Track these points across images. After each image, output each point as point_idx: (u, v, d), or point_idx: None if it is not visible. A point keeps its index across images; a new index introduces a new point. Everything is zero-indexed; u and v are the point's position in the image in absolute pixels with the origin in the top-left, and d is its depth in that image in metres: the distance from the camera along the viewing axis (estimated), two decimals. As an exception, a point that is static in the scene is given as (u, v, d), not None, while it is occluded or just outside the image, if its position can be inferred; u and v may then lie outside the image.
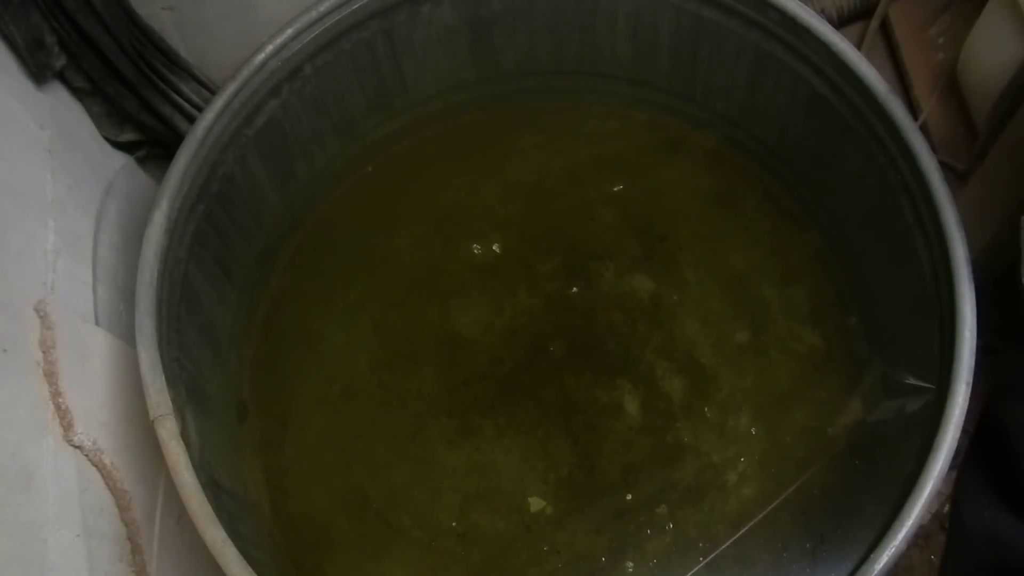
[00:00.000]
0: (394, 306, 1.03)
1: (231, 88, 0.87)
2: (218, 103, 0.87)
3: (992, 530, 0.66)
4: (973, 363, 0.72)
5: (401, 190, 1.09)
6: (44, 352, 0.70)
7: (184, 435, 0.74)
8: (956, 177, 1.07)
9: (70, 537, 0.66)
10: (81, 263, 0.81)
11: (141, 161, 1.02)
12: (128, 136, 0.98)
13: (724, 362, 0.96)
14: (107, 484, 0.73)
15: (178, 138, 0.89)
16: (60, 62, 0.86)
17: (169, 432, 0.73)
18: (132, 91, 0.93)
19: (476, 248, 1.05)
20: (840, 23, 1.19)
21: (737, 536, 0.87)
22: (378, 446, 0.95)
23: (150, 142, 1.01)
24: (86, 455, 0.71)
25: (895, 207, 0.84)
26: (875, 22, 1.19)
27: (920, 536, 0.98)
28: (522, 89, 1.11)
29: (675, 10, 0.96)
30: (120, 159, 0.98)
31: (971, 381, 0.71)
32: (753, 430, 0.92)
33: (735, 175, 1.07)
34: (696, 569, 0.86)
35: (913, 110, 1.12)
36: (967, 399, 0.71)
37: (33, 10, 0.82)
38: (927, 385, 0.79)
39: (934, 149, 0.81)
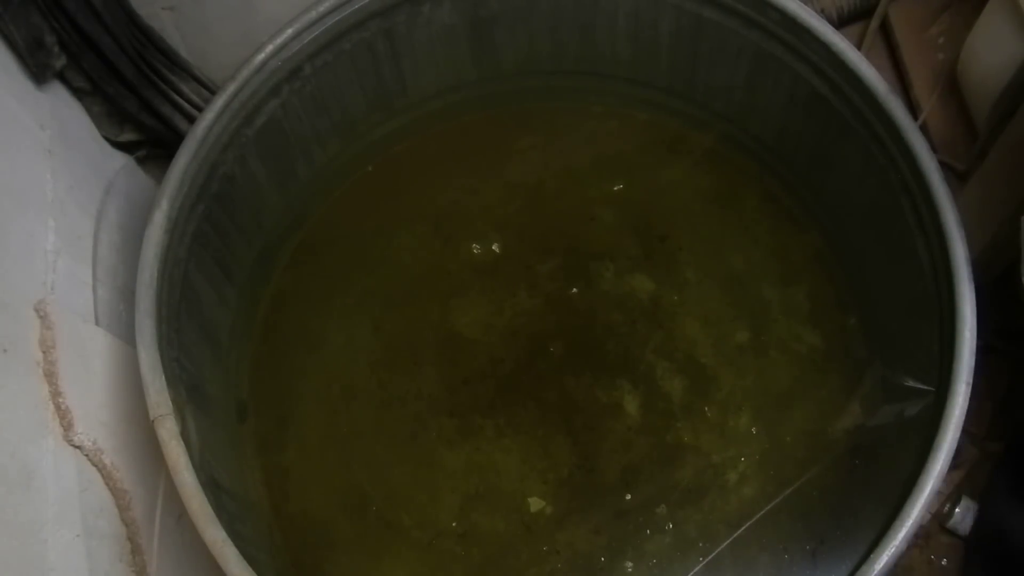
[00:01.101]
0: (394, 306, 1.02)
1: (231, 88, 0.87)
2: (218, 103, 0.87)
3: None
4: (973, 363, 0.72)
5: (401, 190, 1.09)
6: (44, 352, 0.70)
7: (184, 435, 0.74)
8: (956, 177, 1.06)
9: (70, 537, 0.66)
10: (81, 263, 0.81)
11: (141, 161, 1.02)
12: (128, 136, 0.98)
13: (724, 362, 0.96)
14: (107, 484, 0.73)
15: (178, 138, 0.89)
16: (60, 62, 0.86)
17: (169, 432, 0.73)
18: (132, 91, 0.93)
19: (476, 248, 1.05)
20: (840, 23, 1.19)
21: (737, 536, 0.87)
22: (378, 446, 0.95)
23: (150, 142, 1.01)
24: (86, 455, 0.71)
25: (895, 207, 0.84)
26: (875, 22, 1.19)
27: (920, 536, 0.98)
28: (522, 89, 1.11)
29: (675, 10, 0.96)
30: (120, 159, 0.98)
31: (971, 381, 0.71)
32: (753, 430, 0.92)
33: (735, 175, 1.07)
34: (696, 569, 0.86)
35: (913, 110, 1.12)
36: (967, 399, 0.71)
37: (33, 10, 0.82)
38: (927, 387, 0.79)
39: (934, 149, 0.81)
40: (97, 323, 0.80)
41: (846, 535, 0.86)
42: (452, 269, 1.04)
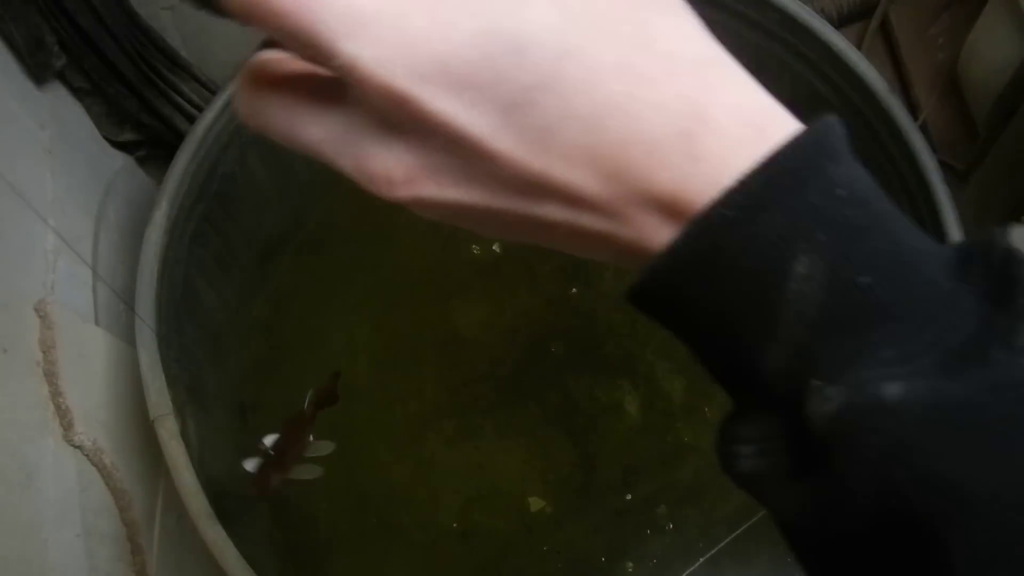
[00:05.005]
0: (394, 306, 1.02)
1: (231, 88, 0.87)
2: (218, 103, 0.86)
3: None
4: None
5: (401, 190, 1.09)
6: (44, 352, 0.70)
7: (184, 435, 0.74)
8: (956, 177, 1.06)
9: (70, 537, 0.66)
10: (81, 263, 0.81)
11: (141, 161, 1.02)
12: (128, 136, 0.98)
13: (724, 362, 0.96)
14: (107, 484, 0.73)
15: (178, 138, 0.89)
16: (60, 62, 0.86)
17: (169, 432, 0.73)
18: (132, 91, 0.93)
19: (476, 248, 1.05)
20: (840, 23, 1.19)
21: (737, 536, 0.87)
22: (378, 446, 0.95)
23: (150, 142, 1.01)
24: (86, 455, 0.71)
25: (895, 207, 0.84)
26: (875, 22, 1.19)
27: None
28: (522, 89, 1.11)
29: (675, 10, 0.96)
30: (120, 159, 0.98)
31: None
32: (753, 430, 0.92)
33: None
34: (696, 569, 0.86)
35: (913, 110, 1.12)
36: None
37: (33, 10, 0.82)
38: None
39: (934, 149, 0.81)
40: (97, 323, 0.80)
41: (846, 535, 0.86)
42: (452, 269, 1.04)
